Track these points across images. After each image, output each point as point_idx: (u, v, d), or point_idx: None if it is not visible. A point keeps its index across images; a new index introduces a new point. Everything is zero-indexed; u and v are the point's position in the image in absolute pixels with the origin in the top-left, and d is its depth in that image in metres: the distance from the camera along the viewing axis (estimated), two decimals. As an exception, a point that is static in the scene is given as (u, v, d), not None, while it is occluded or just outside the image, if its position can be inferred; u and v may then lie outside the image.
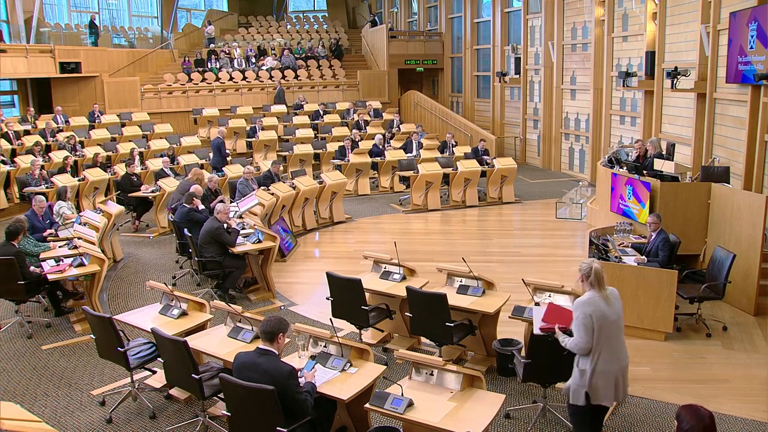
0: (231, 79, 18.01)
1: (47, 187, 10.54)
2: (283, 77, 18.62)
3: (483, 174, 12.36)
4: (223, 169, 11.94)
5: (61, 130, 13.92)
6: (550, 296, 5.50)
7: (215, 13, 23.44)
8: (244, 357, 3.99)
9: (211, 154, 13.04)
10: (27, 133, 13.61)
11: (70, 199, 9.44)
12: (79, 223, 7.96)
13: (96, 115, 15.08)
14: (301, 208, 10.52)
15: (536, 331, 4.34)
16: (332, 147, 14.05)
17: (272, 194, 9.66)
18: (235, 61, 19.05)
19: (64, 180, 10.44)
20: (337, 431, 4.41)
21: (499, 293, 5.73)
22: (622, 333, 4.05)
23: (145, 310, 5.70)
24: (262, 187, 9.96)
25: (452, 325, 5.20)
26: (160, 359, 4.86)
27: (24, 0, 15.64)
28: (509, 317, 5.44)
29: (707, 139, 9.97)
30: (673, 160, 8.73)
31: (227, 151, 13.30)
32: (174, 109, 16.76)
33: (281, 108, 16.89)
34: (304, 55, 20.25)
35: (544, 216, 11.57)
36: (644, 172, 8.53)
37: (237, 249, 7.29)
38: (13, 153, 12.51)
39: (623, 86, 12.37)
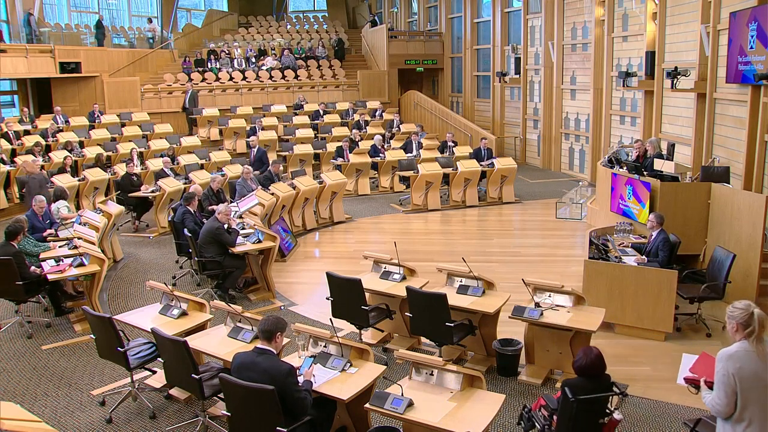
0: (231, 79, 18.01)
1: (47, 187, 10.53)
2: (283, 77, 18.62)
3: (483, 174, 12.36)
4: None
5: (61, 130, 13.92)
6: (550, 296, 5.51)
7: (215, 13, 23.44)
8: (243, 357, 3.99)
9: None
10: (27, 133, 13.61)
11: (70, 199, 9.43)
12: (79, 223, 7.97)
13: (96, 115, 15.08)
14: (301, 208, 10.52)
15: (679, 380, 3.75)
16: (332, 147, 14.04)
17: (272, 194, 9.66)
18: (235, 61, 19.05)
19: (64, 180, 10.44)
20: (337, 431, 4.41)
21: (499, 293, 5.73)
22: None
23: (145, 310, 5.70)
24: (261, 186, 9.96)
25: (452, 325, 5.20)
26: (160, 359, 4.86)
27: (24, 0, 15.63)
28: (509, 317, 5.43)
29: (707, 139, 9.96)
30: (673, 160, 8.73)
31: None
32: (174, 109, 16.74)
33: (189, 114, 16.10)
34: (304, 55, 20.25)
35: (544, 216, 11.57)
36: (644, 172, 8.53)
37: (237, 249, 7.29)
38: (13, 153, 12.51)
39: (623, 86, 12.37)
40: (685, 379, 3.64)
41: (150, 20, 20.17)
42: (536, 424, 4.12)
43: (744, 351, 3.20)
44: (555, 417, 3.95)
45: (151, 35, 19.33)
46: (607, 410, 3.94)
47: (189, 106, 16.27)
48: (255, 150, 12.84)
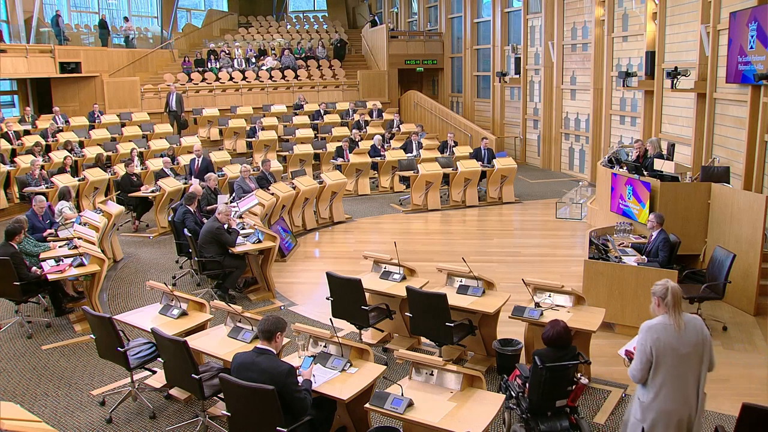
0: (231, 79, 18.00)
1: (47, 187, 10.53)
2: (283, 77, 18.62)
3: (483, 174, 12.36)
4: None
5: (61, 130, 13.92)
6: (550, 296, 5.50)
7: (215, 13, 23.45)
8: (243, 357, 3.99)
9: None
10: (27, 133, 13.60)
11: (70, 200, 9.43)
12: (79, 223, 7.97)
13: (96, 115, 15.08)
14: (301, 208, 10.52)
15: (620, 352, 4.01)
16: (332, 147, 14.05)
17: (272, 194, 9.66)
18: (236, 61, 19.05)
19: (64, 180, 10.44)
20: (337, 431, 4.41)
21: (499, 293, 5.73)
22: (695, 368, 3.56)
23: (145, 310, 5.70)
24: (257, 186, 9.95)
25: (452, 325, 5.20)
26: (160, 359, 4.86)
27: (24, 0, 15.63)
28: (509, 317, 5.43)
29: (707, 139, 9.96)
30: (673, 160, 8.73)
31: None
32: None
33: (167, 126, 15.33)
34: (304, 55, 20.25)
35: (544, 216, 11.57)
36: (644, 172, 8.53)
37: (237, 249, 7.29)
38: (13, 153, 12.51)
39: (623, 86, 12.37)
40: (625, 351, 3.93)
41: (126, 19, 19.35)
42: (512, 393, 4.40)
43: (662, 324, 3.53)
44: (528, 384, 4.26)
45: (123, 35, 18.54)
46: (575, 378, 4.22)
47: (176, 109, 15.65)
48: (200, 160, 11.37)
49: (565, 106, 15.68)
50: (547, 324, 4.27)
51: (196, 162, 11.49)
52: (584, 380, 4.16)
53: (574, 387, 4.23)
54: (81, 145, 13.38)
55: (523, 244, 10.06)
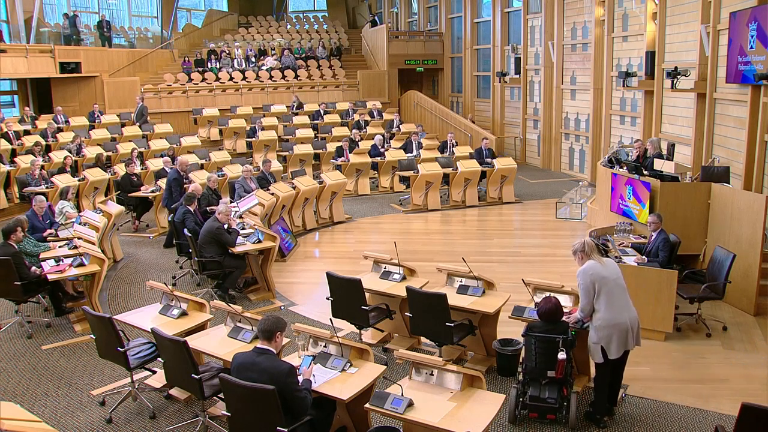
0: (231, 79, 18.00)
1: (47, 187, 10.53)
2: (283, 77, 18.62)
3: (483, 174, 12.36)
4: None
5: (61, 130, 13.92)
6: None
7: (215, 13, 23.44)
8: (243, 357, 3.98)
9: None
10: (27, 133, 13.60)
11: (71, 200, 9.43)
12: (79, 223, 7.97)
13: (96, 115, 15.08)
14: (301, 208, 10.52)
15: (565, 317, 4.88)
16: (332, 147, 14.04)
17: (272, 194, 9.66)
18: (236, 61, 19.05)
19: (64, 180, 10.43)
20: (337, 431, 4.41)
21: (499, 293, 5.73)
22: (624, 291, 4.66)
23: (145, 310, 5.70)
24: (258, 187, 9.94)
25: (452, 325, 5.20)
26: (160, 359, 4.86)
27: (24, 0, 15.63)
28: (509, 317, 5.44)
29: (707, 139, 9.97)
30: (673, 160, 8.73)
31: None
32: (174, 109, 16.75)
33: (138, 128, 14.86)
34: (304, 55, 20.26)
35: (544, 216, 11.57)
36: (644, 172, 8.53)
37: (237, 249, 7.29)
38: (13, 153, 12.50)
39: (623, 86, 12.37)
40: (570, 319, 4.88)
41: (66, 16, 17.46)
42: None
43: (592, 264, 4.57)
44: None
45: (65, 32, 16.88)
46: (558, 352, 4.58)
47: (138, 120, 15.28)
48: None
49: (565, 106, 15.68)
50: (542, 299, 4.76)
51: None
52: (561, 355, 4.49)
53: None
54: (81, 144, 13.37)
55: (523, 244, 10.06)
